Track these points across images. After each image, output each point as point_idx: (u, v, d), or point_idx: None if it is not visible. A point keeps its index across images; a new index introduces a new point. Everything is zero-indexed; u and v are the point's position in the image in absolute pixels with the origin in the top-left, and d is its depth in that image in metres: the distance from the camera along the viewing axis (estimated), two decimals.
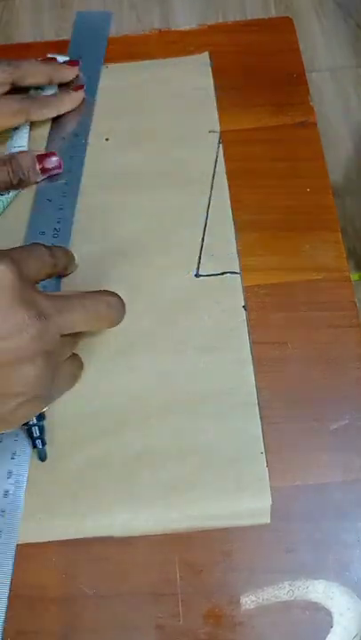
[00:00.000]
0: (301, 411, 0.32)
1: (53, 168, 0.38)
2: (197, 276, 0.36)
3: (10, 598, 0.29)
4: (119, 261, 0.36)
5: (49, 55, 0.42)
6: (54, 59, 0.42)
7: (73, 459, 0.31)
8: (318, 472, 0.31)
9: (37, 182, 0.39)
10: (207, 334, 0.34)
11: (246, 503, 0.30)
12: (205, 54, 0.44)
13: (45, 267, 0.30)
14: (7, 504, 0.30)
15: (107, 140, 0.41)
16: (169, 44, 0.44)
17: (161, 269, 0.36)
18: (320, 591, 0.29)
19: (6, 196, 0.38)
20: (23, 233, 0.37)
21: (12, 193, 0.38)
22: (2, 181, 0.37)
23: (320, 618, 0.29)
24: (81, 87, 0.41)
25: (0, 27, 1.36)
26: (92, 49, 0.44)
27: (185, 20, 1.33)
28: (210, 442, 0.31)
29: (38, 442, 0.31)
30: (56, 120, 0.41)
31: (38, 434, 0.31)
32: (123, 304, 0.31)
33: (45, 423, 0.32)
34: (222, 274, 0.36)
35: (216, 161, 0.39)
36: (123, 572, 0.29)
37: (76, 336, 0.31)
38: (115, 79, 0.43)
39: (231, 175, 0.39)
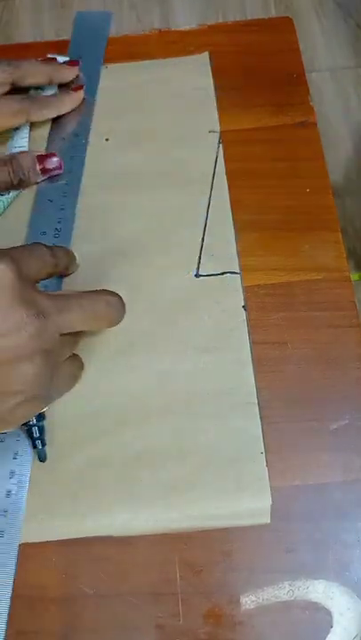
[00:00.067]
0: (301, 410, 0.32)
1: (54, 169, 0.38)
2: (197, 276, 0.36)
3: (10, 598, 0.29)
4: (119, 261, 0.36)
5: (49, 55, 0.42)
6: (54, 59, 0.42)
7: (73, 459, 0.31)
8: (318, 472, 0.31)
9: (38, 183, 0.39)
10: (207, 334, 0.34)
11: (246, 503, 0.30)
12: (205, 54, 0.44)
13: (46, 266, 0.30)
14: (10, 504, 0.30)
15: (107, 140, 0.41)
16: (169, 44, 0.44)
17: (161, 269, 0.36)
18: (320, 591, 0.29)
19: (6, 196, 0.38)
20: (24, 233, 0.37)
21: (12, 193, 0.38)
22: (2, 181, 0.37)
23: (320, 618, 0.29)
24: (81, 87, 0.41)
25: (0, 27, 1.36)
26: (92, 49, 0.44)
27: (185, 20, 1.33)
28: (210, 442, 0.31)
29: (38, 442, 0.31)
30: (56, 120, 0.41)
31: (38, 434, 0.31)
32: (123, 304, 0.31)
33: (45, 424, 0.32)
34: (222, 274, 0.36)
35: (216, 161, 0.39)
36: (123, 572, 0.29)
37: (76, 336, 0.31)
38: (115, 79, 0.43)
39: (231, 175, 0.39)
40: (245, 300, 0.35)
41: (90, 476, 0.31)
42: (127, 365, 0.33)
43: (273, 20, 0.45)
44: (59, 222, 0.37)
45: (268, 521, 0.30)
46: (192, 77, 0.43)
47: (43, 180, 0.39)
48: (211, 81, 0.42)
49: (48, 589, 0.29)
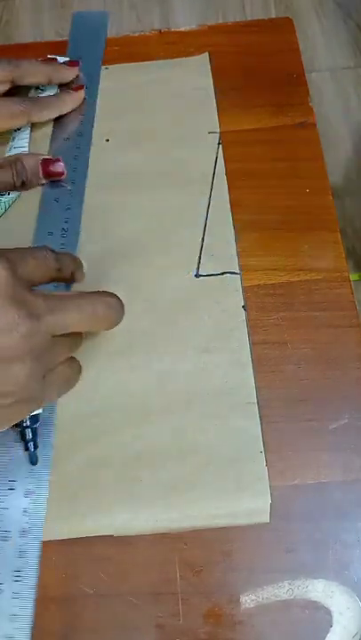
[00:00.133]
0: (301, 410, 0.32)
1: (58, 174, 0.38)
2: (197, 276, 0.36)
3: None
4: (119, 261, 0.36)
5: (49, 56, 0.42)
6: (54, 59, 0.42)
7: (73, 459, 0.31)
8: (318, 472, 0.31)
9: (40, 185, 0.38)
10: (207, 334, 0.34)
11: (246, 503, 0.30)
12: (205, 55, 0.44)
13: (49, 270, 0.30)
14: (29, 503, 0.30)
15: (107, 140, 0.41)
16: (169, 45, 0.44)
17: (161, 269, 0.36)
18: (320, 590, 0.29)
19: (7, 197, 0.38)
20: (31, 234, 0.37)
21: (12, 194, 0.38)
22: (4, 182, 0.37)
23: (320, 617, 0.29)
24: (82, 87, 0.41)
25: (0, 27, 1.36)
26: (91, 49, 0.44)
27: (185, 21, 1.33)
28: (210, 442, 0.31)
29: (30, 445, 0.31)
30: (58, 120, 0.41)
31: (31, 436, 0.31)
32: (121, 305, 0.30)
33: (39, 426, 0.31)
34: (222, 274, 0.36)
35: (216, 161, 0.39)
36: (123, 572, 0.29)
37: (74, 337, 0.30)
38: (115, 80, 0.43)
39: (231, 176, 0.39)
40: (245, 300, 0.35)
41: (90, 476, 0.31)
42: (127, 365, 0.33)
43: (273, 21, 0.45)
44: (65, 222, 0.37)
45: (268, 520, 0.30)
46: (192, 78, 0.43)
47: (44, 184, 0.38)
48: (210, 81, 0.42)
49: (48, 589, 0.29)
